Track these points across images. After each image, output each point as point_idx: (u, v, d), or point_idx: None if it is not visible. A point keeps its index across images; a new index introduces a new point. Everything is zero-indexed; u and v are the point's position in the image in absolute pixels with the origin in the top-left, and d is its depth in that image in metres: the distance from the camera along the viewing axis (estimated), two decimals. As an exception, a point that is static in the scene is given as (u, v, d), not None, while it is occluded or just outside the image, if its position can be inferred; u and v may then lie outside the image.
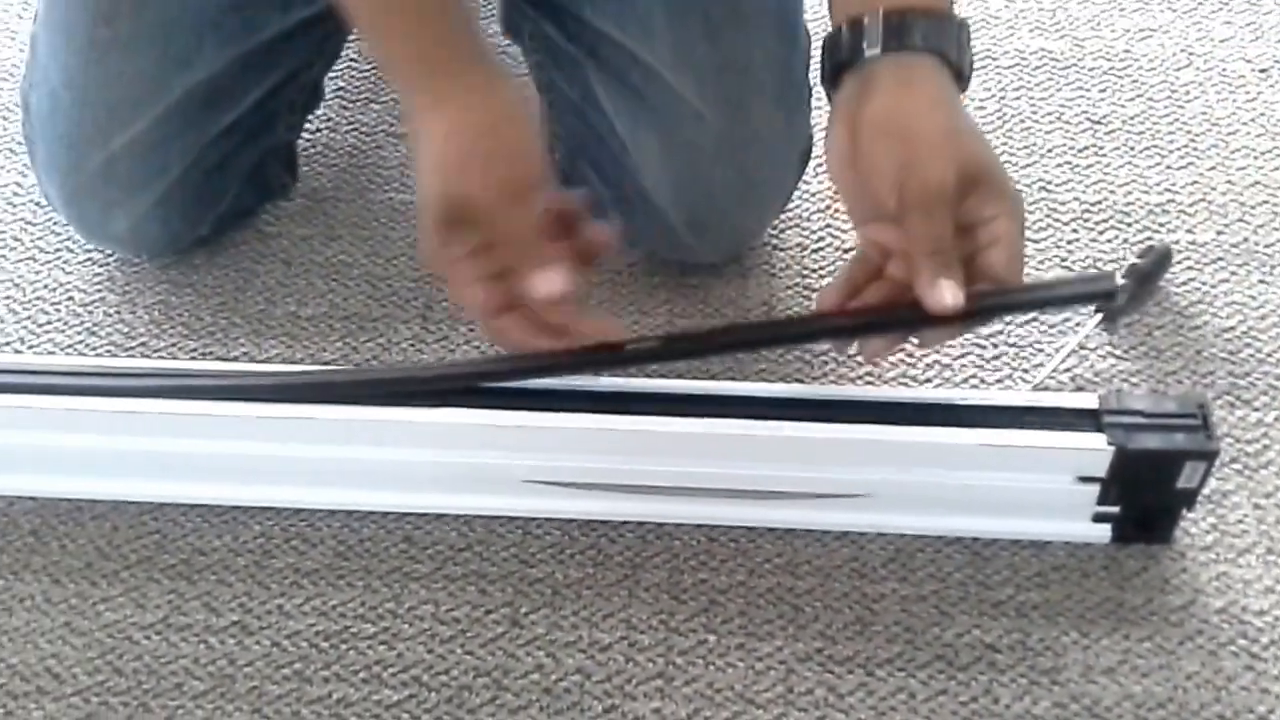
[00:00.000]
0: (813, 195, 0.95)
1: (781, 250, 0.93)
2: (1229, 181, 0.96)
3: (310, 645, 0.74)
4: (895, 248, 0.64)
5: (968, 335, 0.86)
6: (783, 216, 0.93)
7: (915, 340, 0.69)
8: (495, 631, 0.74)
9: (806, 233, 0.94)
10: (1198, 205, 0.95)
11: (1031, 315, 0.87)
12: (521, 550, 0.78)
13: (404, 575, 0.77)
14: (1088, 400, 0.75)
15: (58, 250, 0.94)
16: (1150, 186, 0.96)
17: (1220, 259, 0.91)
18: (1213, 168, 0.97)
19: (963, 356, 0.86)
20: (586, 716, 0.71)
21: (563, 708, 0.71)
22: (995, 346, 0.87)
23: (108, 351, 0.87)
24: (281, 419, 0.75)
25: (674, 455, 0.76)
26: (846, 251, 0.93)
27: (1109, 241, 0.93)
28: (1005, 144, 0.99)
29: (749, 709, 0.71)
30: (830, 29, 0.66)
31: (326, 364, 0.87)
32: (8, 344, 0.88)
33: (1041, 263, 0.92)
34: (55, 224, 0.94)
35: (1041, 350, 0.87)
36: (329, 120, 1.02)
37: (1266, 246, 0.92)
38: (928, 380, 0.85)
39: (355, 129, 1.02)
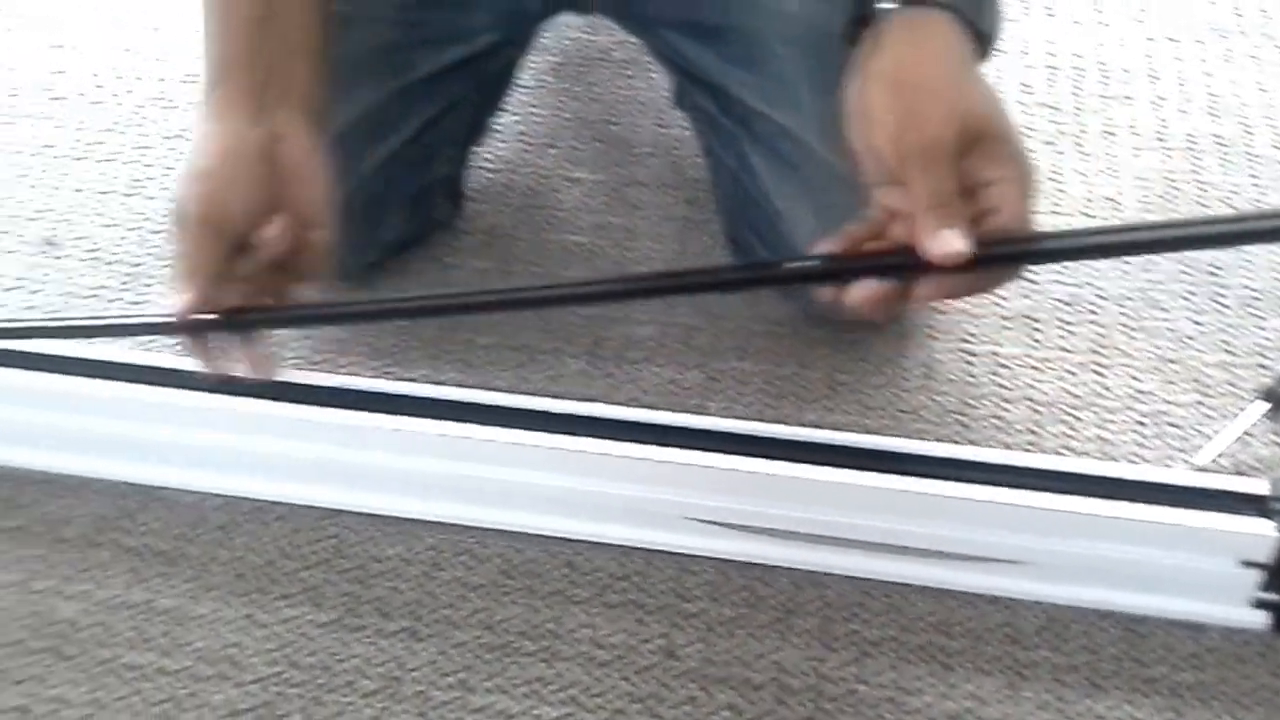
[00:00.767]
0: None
1: (943, 314, 0.95)
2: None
3: (475, 656, 0.77)
4: (902, 211, 0.59)
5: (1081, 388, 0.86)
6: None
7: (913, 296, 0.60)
8: (650, 660, 0.77)
9: (970, 298, 0.95)
10: (1370, 300, 0.94)
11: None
12: (678, 584, 0.80)
13: (565, 598, 0.80)
14: (1257, 485, 0.75)
15: (253, 265, 1.00)
16: (1321, 278, 0.96)
17: (1392, 355, 0.91)
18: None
19: (1123, 433, 0.87)
20: (735, 752, 0.73)
21: (713, 741, 0.73)
22: (1156, 425, 0.87)
23: (294, 365, 0.93)
24: (461, 438, 0.79)
25: (834, 506, 0.78)
26: (1007, 319, 0.94)
27: (1276, 330, 0.93)
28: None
29: (896, 761, 0.72)
30: None
31: (498, 390, 0.91)
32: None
33: (1203, 348, 0.92)
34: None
35: (1201, 432, 0.87)
36: (509, 162, 1.07)
37: None
38: (1086, 453, 0.86)
39: (533, 171, 1.06)
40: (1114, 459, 0.85)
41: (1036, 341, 0.93)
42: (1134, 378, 0.91)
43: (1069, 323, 0.94)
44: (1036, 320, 0.94)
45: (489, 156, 1.06)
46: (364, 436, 0.81)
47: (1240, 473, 0.84)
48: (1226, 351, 0.92)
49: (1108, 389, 0.90)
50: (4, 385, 0.83)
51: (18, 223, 1.03)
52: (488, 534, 0.83)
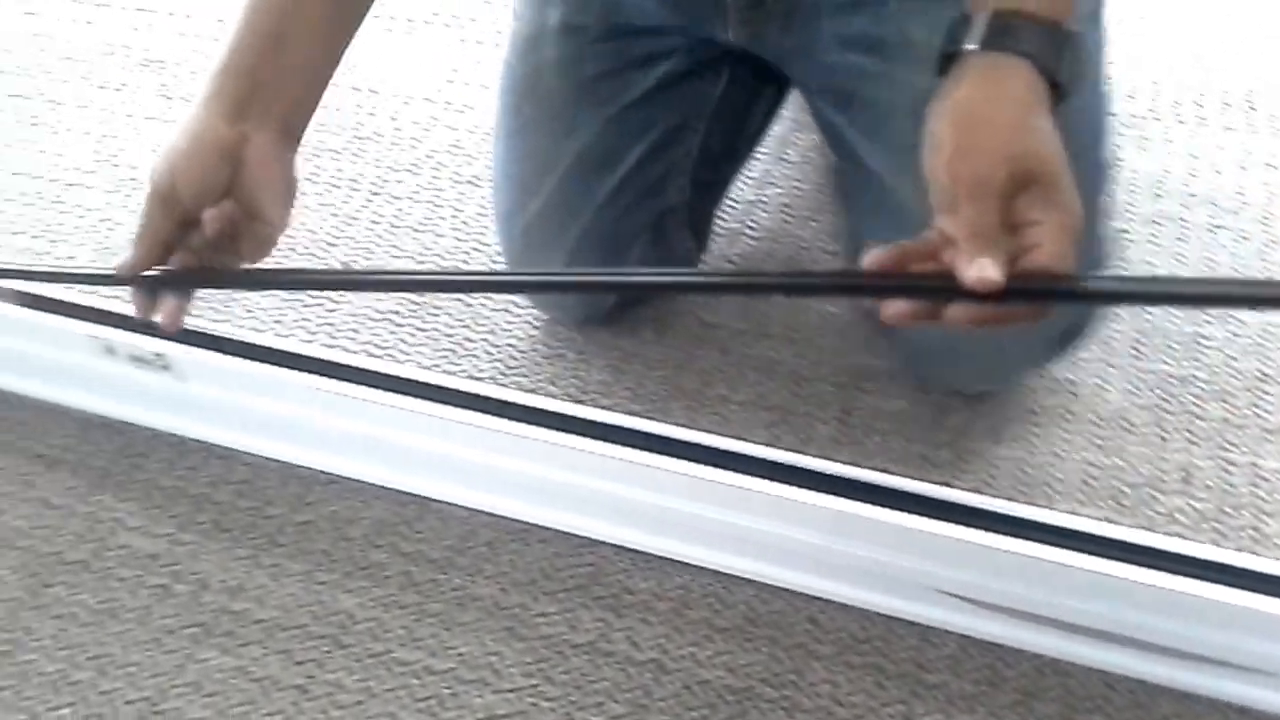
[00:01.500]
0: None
1: (1203, 420, 0.94)
2: None
3: (718, 695, 0.80)
4: (951, 236, 0.62)
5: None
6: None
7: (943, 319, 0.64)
8: (888, 724, 0.79)
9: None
10: None
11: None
12: (919, 654, 0.82)
13: (807, 653, 0.82)
14: None
15: (528, 307, 1.07)
16: None
17: None
18: None
19: (1391, 559, 0.85)
20: (970, 826, 0.74)
21: (947, 811, 0.74)
22: None
23: (566, 397, 0.99)
24: (720, 484, 0.83)
25: (1083, 594, 0.79)
26: (1269, 432, 0.93)
27: None
28: None
29: None
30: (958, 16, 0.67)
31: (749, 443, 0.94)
32: (482, 375, 1.01)
33: None
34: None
35: None
36: (771, 231, 1.12)
37: None
38: (1350, 575, 0.84)
39: (794, 242, 1.11)
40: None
41: (1300, 457, 0.92)
42: (1405, 505, 0.88)
43: (1336, 442, 0.92)
44: (1301, 435, 0.93)
45: (752, 225, 1.11)
46: (628, 473, 0.86)
47: None
48: None
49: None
50: (304, 390, 0.91)
51: (320, 246, 1.14)
52: (735, 580, 0.86)
